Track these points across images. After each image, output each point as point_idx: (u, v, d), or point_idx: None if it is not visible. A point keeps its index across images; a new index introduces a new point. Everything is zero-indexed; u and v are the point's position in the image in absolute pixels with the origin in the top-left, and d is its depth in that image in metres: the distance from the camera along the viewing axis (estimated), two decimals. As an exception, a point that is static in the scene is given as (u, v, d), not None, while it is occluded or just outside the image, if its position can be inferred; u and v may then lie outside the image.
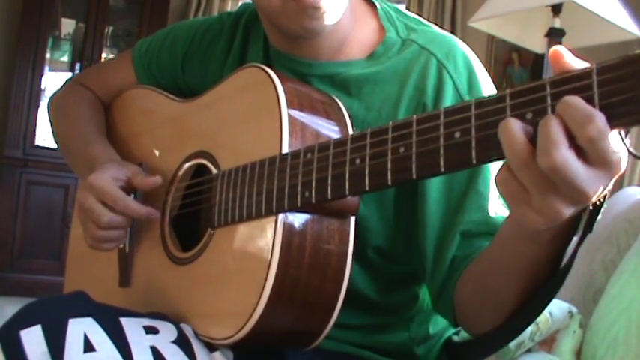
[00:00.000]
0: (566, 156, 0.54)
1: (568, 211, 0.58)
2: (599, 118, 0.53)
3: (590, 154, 0.54)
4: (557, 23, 2.34)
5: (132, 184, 0.98)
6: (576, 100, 0.54)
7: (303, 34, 0.89)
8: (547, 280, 0.73)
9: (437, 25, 1.00)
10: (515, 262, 0.73)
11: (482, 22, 2.48)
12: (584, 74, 0.54)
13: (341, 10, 0.90)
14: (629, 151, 0.56)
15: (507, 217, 0.74)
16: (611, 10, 2.27)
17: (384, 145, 0.69)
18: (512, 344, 1.24)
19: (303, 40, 0.93)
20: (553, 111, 0.55)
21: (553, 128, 0.54)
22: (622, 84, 0.52)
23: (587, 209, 0.62)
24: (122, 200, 0.94)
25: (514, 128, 0.56)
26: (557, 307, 1.33)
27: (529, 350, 1.30)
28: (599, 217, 0.63)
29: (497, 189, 0.62)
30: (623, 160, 0.55)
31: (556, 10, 2.34)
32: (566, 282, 1.54)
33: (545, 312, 1.29)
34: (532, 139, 0.56)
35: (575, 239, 0.68)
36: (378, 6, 0.98)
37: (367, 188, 0.71)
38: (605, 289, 1.30)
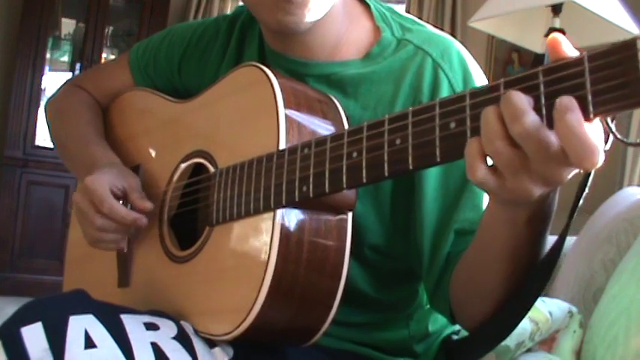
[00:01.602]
0: (537, 120, 0.57)
1: (538, 191, 0.61)
2: (527, 119, 0.56)
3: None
4: (557, 23, 2.35)
5: (127, 198, 0.98)
6: (512, 96, 0.57)
7: (279, 28, 0.89)
8: (531, 267, 0.74)
9: (436, 25, 1.00)
10: (499, 247, 0.74)
11: (482, 22, 2.48)
12: (576, 62, 0.55)
13: (321, 8, 0.89)
14: (616, 137, 0.57)
15: (488, 203, 0.75)
16: (611, 10, 2.27)
17: (381, 138, 0.70)
18: (512, 344, 1.24)
19: (294, 36, 0.92)
20: (546, 98, 0.57)
21: (519, 98, 0.57)
22: (613, 70, 0.53)
23: (556, 191, 0.67)
24: (108, 203, 0.94)
25: (490, 113, 0.59)
26: (557, 307, 1.33)
27: (529, 350, 1.30)
28: (580, 203, 0.66)
29: (478, 186, 0.63)
30: (586, 149, 0.55)
31: (556, 10, 2.34)
32: (566, 282, 1.54)
33: (546, 312, 1.29)
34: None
35: (555, 238, 0.70)
36: (372, 6, 0.98)
37: (364, 180, 0.71)
38: (605, 289, 1.30)
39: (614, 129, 0.57)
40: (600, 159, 0.55)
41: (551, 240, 0.73)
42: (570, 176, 0.59)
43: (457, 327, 1.04)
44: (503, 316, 0.78)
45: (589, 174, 0.63)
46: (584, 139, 0.54)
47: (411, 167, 0.67)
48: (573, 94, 0.55)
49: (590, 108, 0.54)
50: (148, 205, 0.97)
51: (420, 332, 1.00)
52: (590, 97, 0.54)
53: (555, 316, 1.30)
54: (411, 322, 0.99)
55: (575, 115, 0.54)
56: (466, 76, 0.91)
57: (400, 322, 0.99)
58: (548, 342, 1.34)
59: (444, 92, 0.89)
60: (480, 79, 0.92)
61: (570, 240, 0.70)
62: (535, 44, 2.63)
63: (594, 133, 0.55)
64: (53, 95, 1.28)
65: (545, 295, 1.48)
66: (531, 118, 0.56)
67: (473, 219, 0.86)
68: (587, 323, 1.32)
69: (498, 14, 2.40)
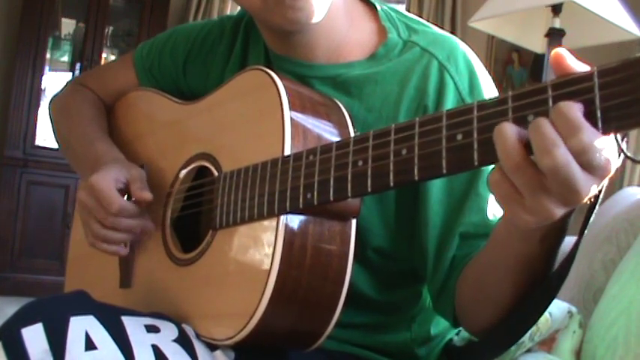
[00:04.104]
0: (567, 155, 0.55)
1: (560, 212, 0.59)
2: (585, 132, 0.54)
3: (578, 162, 0.56)
4: (557, 23, 2.35)
5: (128, 189, 0.98)
6: (567, 109, 0.54)
7: (290, 27, 0.89)
8: (542, 279, 0.74)
9: (437, 25, 1.00)
10: (510, 260, 0.74)
11: (482, 22, 2.48)
12: (586, 77, 0.55)
13: (324, 2, 0.89)
14: (626, 155, 0.57)
15: (501, 217, 0.75)
16: (611, 10, 2.27)
17: (387, 147, 0.69)
18: (512, 345, 1.24)
19: (297, 36, 0.92)
20: None
21: (549, 129, 0.55)
22: (623, 87, 0.52)
23: (574, 211, 0.64)
24: (117, 204, 0.94)
25: (508, 131, 0.57)
26: (556, 307, 1.33)
27: (529, 350, 1.30)
28: (592, 219, 0.65)
29: (491, 191, 0.63)
30: (614, 164, 0.56)
31: (556, 10, 2.34)
32: (567, 282, 1.54)
33: (545, 312, 1.29)
34: (526, 144, 0.57)
35: (570, 241, 0.69)
36: (379, 7, 0.98)
37: (369, 190, 0.71)
38: (605, 289, 1.30)
39: (624, 147, 0.56)
40: (587, 137, 0.54)
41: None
42: (592, 191, 0.58)
43: (458, 329, 1.04)
44: (509, 324, 0.78)
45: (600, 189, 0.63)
46: (572, 115, 0.54)
47: (416, 178, 0.66)
48: (583, 111, 0.54)
49: (599, 125, 0.54)
50: (147, 195, 0.97)
51: (421, 335, 1.00)
52: (599, 114, 0.54)
53: (555, 316, 1.30)
54: (413, 324, 0.99)
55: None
56: (472, 78, 0.91)
57: (402, 325, 0.99)
58: (547, 342, 1.34)
59: (450, 95, 0.89)
60: (486, 82, 0.92)
61: (571, 240, 0.70)
62: (535, 44, 2.63)
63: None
64: (57, 94, 1.28)
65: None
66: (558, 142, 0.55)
67: (478, 222, 0.86)
68: (587, 323, 1.31)
69: (498, 14, 2.40)
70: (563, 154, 0.55)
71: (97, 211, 0.95)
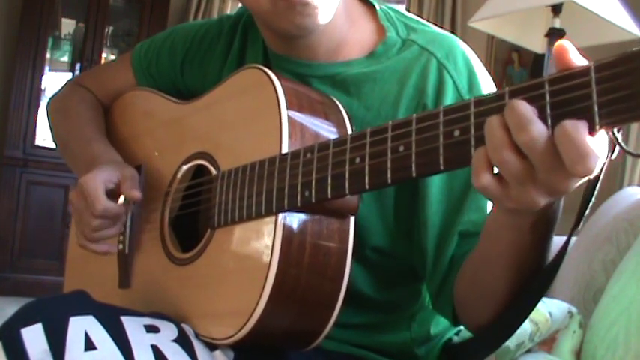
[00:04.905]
0: (543, 129, 0.56)
1: (543, 201, 0.60)
2: (534, 127, 0.55)
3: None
4: (557, 23, 2.35)
5: (119, 189, 0.98)
6: (518, 105, 0.56)
7: (297, 32, 0.89)
8: (535, 273, 0.74)
9: (437, 25, 1.00)
10: (502, 251, 0.74)
11: (482, 22, 2.48)
12: (583, 71, 0.55)
13: (333, 6, 0.89)
14: (622, 148, 0.57)
15: (492, 208, 0.75)
16: (611, 10, 2.27)
17: (384, 144, 0.69)
18: (512, 345, 1.24)
19: (299, 39, 0.92)
20: (552, 108, 0.56)
21: (524, 107, 0.56)
22: (620, 81, 0.52)
23: (560, 202, 0.67)
24: (101, 204, 0.94)
25: (494, 122, 0.58)
26: (556, 307, 1.33)
27: (529, 351, 1.30)
28: (590, 215, 0.64)
29: (475, 187, 0.63)
30: (592, 161, 0.55)
31: (556, 10, 2.34)
32: (566, 282, 1.54)
33: (545, 312, 1.29)
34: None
35: (564, 238, 0.69)
36: (378, 7, 0.98)
37: (367, 187, 0.71)
38: (605, 289, 1.30)
39: (620, 140, 0.56)
40: (595, 165, 0.55)
41: (556, 240, 0.73)
42: (576, 186, 0.59)
43: (458, 329, 1.04)
44: (505, 318, 0.78)
45: (596, 183, 0.63)
46: (578, 142, 0.54)
47: (414, 175, 0.66)
48: (579, 105, 0.54)
49: (596, 119, 0.53)
50: (136, 194, 0.97)
51: (421, 335, 0.99)
52: (596, 108, 0.53)
53: (555, 316, 1.30)
54: (413, 323, 0.99)
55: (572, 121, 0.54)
56: (471, 76, 0.91)
57: (402, 324, 0.99)
58: (548, 342, 1.34)
59: (449, 93, 0.89)
60: (485, 80, 0.92)
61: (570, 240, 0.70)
62: (535, 44, 2.63)
63: (593, 140, 0.55)
64: (55, 94, 1.28)
65: (545, 296, 1.48)
66: (538, 126, 0.56)
67: (477, 221, 0.86)
68: (587, 323, 1.32)
69: (498, 14, 2.40)
70: (538, 128, 0.56)
71: (84, 212, 0.95)
